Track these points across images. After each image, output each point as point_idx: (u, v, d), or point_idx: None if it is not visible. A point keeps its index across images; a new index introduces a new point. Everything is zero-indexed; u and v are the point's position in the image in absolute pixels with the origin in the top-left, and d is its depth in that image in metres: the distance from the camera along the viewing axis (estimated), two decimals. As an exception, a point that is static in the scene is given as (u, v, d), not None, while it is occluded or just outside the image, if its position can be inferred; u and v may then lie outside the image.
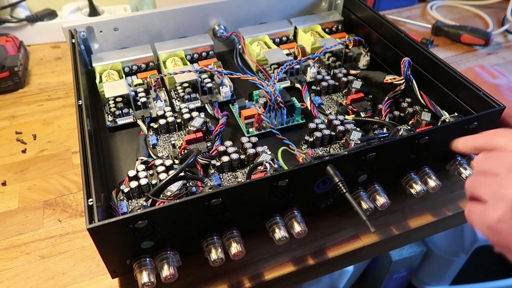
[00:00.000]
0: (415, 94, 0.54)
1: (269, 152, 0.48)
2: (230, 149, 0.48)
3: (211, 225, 0.38)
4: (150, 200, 0.41)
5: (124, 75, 0.61)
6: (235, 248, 0.38)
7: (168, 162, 0.47)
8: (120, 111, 0.55)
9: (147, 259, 0.37)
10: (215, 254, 0.38)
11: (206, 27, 0.68)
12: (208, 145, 0.50)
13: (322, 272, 0.46)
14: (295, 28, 0.70)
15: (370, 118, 0.54)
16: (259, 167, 0.45)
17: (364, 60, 0.65)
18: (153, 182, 0.45)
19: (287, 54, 0.65)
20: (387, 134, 0.50)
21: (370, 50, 0.66)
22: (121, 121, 0.56)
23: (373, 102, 0.58)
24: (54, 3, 0.83)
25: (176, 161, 0.49)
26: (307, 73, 0.63)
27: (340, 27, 0.72)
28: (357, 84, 0.58)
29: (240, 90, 0.62)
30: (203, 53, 0.66)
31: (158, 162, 0.47)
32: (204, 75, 0.61)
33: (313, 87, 0.61)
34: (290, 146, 0.49)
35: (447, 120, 0.50)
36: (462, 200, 0.49)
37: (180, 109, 0.55)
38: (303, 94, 0.59)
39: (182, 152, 0.49)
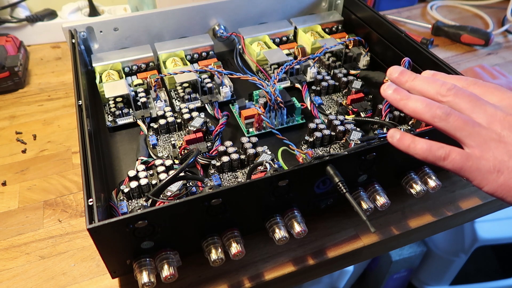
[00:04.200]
0: (415, 94, 0.54)
1: (269, 152, 0.48)
2: (230, 149, 0.48)
3: (211, 225, 0.38)
4: (150, 200, 0.41)
5: (124, 75, 0.61)
6: (235, 248, 0.38)
7: (168, 162, 0.47)
8: (120, 111, 0.55)
9: (147, 259, 0.37)
10: (215, 254, 0.38)
11: (206, 27, 0.68)
12: (208, 145, 0.50)
13: (322, 272, 0.46)
14: (295, 28, 0.70)
15: (370, 118, 0.54)
16: (259, 167, 0.45)
17: (364, 60, 0.65)
18: (153, 182, 0.45)
19: (287, 54, 0.65)
20: (387, 134, 0.49)
21: (370, 50, 0.66)
22: (121, 121, 0.56)
23: (373, 102, 0.58)
24: (54, 3, 0.83)
25: (176, 161, 0.49)
26: (307, 73, 0.63)
27: (340, 27, 0.72)
28: (357, 84, 0.58)
29: (240, 90, 0.62)
30: (203, 53, 0.66)
31: (158, 162, 0.47)
32: (204, 75, 0.61)
33: (313, 87, 0.61)
34: (290, 146, 0.49)
35: (447, 120, 0.50)
36: (462, 200, 0.49)
37: (180, 109, 0.55)
38: (303, 94, 0.59)
39: (182, 152, 0.49)
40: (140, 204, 0.44)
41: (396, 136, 0.33)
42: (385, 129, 0.52)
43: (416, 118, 0.31)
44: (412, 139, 0.33)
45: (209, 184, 0.45)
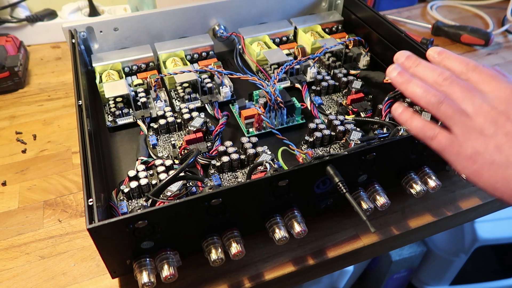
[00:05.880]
0: (415, 94, 0.54)
1: (269, 152, 0.48)
2: (230, 149, 0.48)
3: (211, 225, 0.38)
4: (150, 200, 0.41)
5: (124, 75, 0.61)
6: (235, 248, 0.38)
7: (168, 162, 0.47)
8: (120, 111, 0.55)
9: (147, 259, 0.37)
10: (215, 254, 0.38)
11: (206, 27, 0.69)
12: (208, 145, 0.50)
13: (322, 272, 0.46)
14: (295, 28, 0.70)
15: (370, 118, 0.54)
16: (259, 167, 0.45)
17: (364, 60, 0.65)
18: (153, 182, 0.45)
19: (287, 54, 0.65)
20: (387, 134, 0.50)
21: (370, 50, 0.66)
22: (121, 121, 0.56)
23: (373, 102, 0.58)
24: (54, 3, 0.83)
25: (176, 161, 0.49)
26: (307, 73, 0.63)
27: (340, 27, 0.72)
28: (357, 84, 0.58)
29: (240, 90, 0.62)
30: (203, 53, 0.66)
31: (158, 162, 0.47)
32: (204, 75, 0.61)
33: (313, 87, 0.61)
34: (290, 146, 0.49)
35: (447, 120, 0.50)
36: (462, 200, 0.49)
37: (180, 109, 0.55)
38: (303, 94, 0.59)
39: (182, 152, 0.49)
40: (140, 204, 0.44)
41: (399, 110, 0.37)
42: (385, 129, 0.52)
43: (413, 101, 0.36)
44: (411, 115, 0.36)
45: (209, 184, 0.45)
